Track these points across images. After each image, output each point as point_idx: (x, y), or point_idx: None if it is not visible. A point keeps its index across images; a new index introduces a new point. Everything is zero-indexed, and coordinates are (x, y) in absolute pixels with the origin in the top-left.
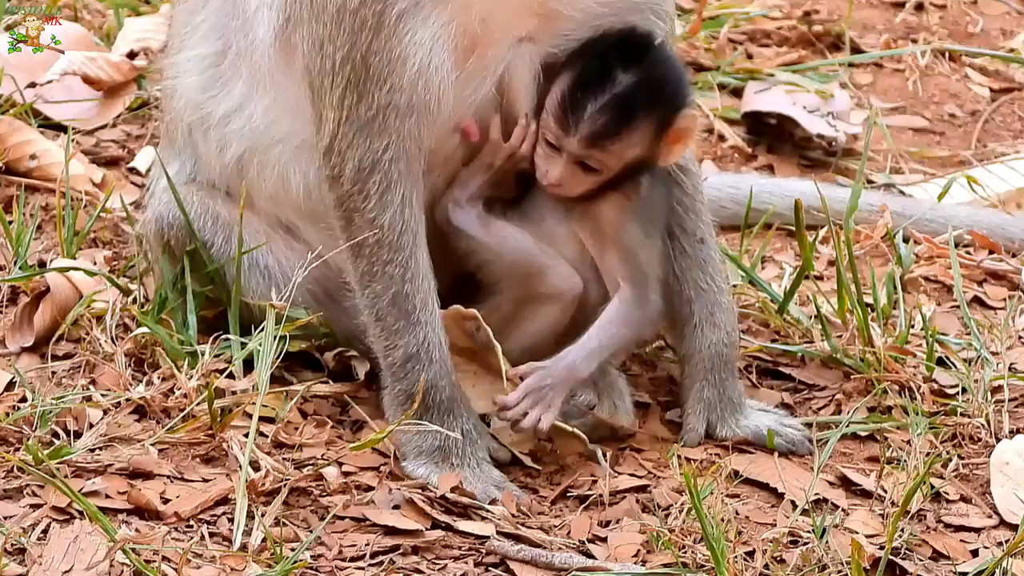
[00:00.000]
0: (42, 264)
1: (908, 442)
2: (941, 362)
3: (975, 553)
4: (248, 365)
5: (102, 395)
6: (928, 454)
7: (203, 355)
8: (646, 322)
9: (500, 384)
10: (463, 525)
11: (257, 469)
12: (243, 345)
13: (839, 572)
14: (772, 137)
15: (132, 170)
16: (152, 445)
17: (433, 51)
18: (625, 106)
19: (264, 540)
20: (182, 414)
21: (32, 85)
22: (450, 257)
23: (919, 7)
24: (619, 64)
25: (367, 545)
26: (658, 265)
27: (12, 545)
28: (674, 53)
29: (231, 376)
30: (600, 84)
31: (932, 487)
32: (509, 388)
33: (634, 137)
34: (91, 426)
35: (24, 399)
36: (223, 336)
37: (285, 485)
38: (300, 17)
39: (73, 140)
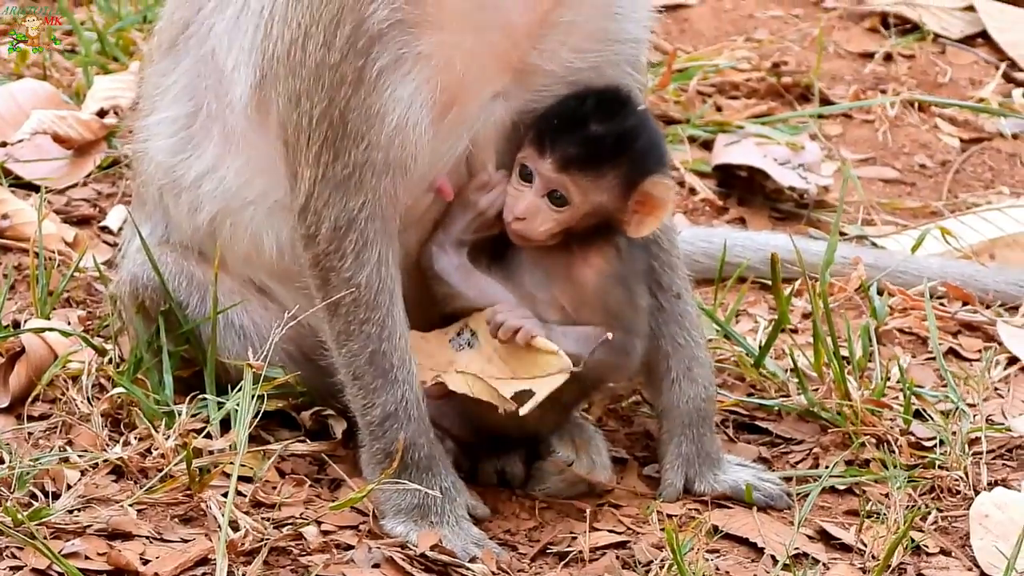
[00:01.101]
0: (16, 324)
1: (887, 495)
2: (918, 414)
3: None
4: (225, 425)
5: (79, 456)
6: (907, 507)
7: (180, 415)
8: (626, 368)
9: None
10: None
11: (236, 529)
12: (220, 405)
13: None
14: (743, 190)
15: (104, 229)
16: (131, 506)
17: (411, 108)
18: (598, 143)
19: None
20: (160, 474)
21: (2, 144)
22: (429, 310)
23: (888, 58)
24: (595, 112)
25: None
26: (644, 322)
27: None
28: (652, 118)
29: (208, 436)
30: (577, 122)
31: (912, 540)
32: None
33: (603, 182)
34: (69, 487)
35: (1, 460)
36: (200, 396)
37: (265, 545)
38: (276, 74)
39: (45, 199)
